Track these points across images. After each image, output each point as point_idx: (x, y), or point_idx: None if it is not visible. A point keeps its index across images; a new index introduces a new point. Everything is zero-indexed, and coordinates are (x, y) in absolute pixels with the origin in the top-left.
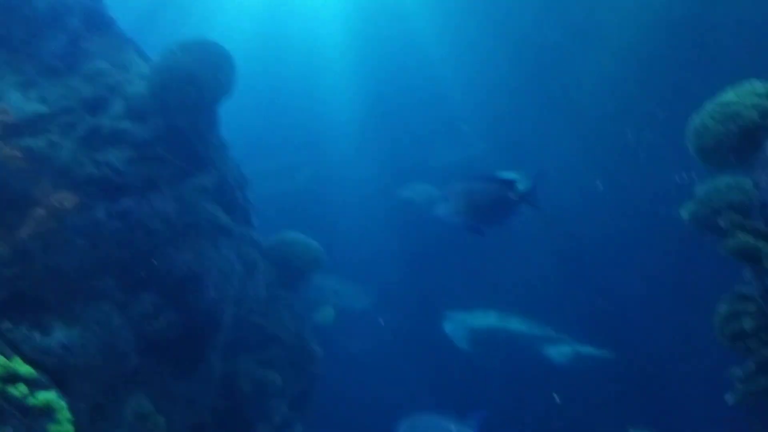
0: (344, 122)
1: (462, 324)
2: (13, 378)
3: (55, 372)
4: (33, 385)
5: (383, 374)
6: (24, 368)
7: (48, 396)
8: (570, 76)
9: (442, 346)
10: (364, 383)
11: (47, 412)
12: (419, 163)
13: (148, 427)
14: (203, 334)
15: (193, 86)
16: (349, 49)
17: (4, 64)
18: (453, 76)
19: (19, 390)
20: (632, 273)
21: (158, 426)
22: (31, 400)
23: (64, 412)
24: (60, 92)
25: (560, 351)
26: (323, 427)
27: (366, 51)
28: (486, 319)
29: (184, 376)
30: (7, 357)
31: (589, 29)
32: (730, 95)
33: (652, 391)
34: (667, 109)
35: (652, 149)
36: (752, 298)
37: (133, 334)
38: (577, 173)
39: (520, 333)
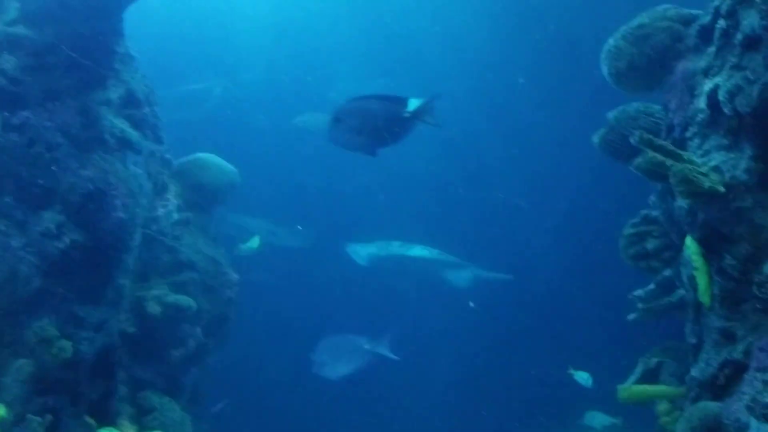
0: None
1: (367, 252)
2: None
3: None
4: None
5: (298, 302)
6: None
7: None
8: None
9: (351, 273)
10: (280, 311)
11: None
12: (320, 94)
13: (52, 351)
14: (111, 255)
15: None
16: None
17: None
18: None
19: None
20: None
21: (64, 350)
22: None
23: None
24: None
25: (461, 276)
26: (241, 353)
27: None
28: (389, 248)
29: (91, 300)
30: None
31: None
32: (643, 18)
33: (552, 314)
34: None
35: None
36: (656, 220)
37: (34, 256)
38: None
39: (421, 259)
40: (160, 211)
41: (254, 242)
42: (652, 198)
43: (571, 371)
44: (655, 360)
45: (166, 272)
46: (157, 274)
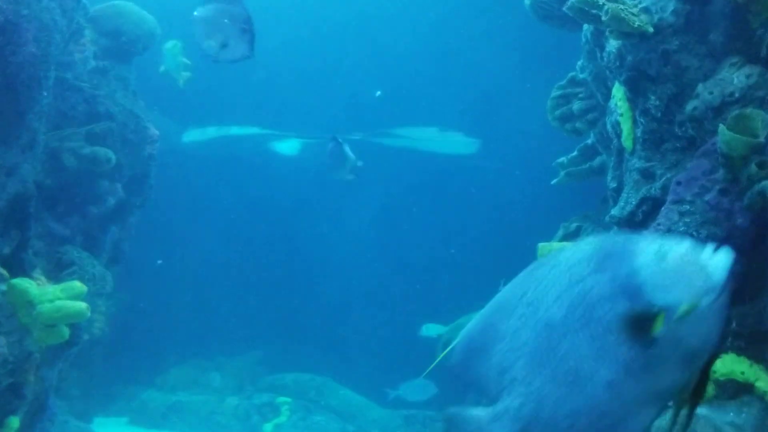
0: None
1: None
2: None
3: None
4: None
5: None
6: None
7: None
8: None
9: None
10: None
11: None
12: None
13: None
14: (22, 93)
15: None
16: None
17: None
18: None
19: None
20: None
21: None
22: None
23: None
24: None
25: (287, 145)
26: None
27: None
28: (205, 133)
29: (2, 142)
30: None
31: None
32: None
33: None
34: None
35: None
36: (583, 82)
37: None
38: None
39: (244, 136)
40: (76, 56)
41: None
42: (580, 61)
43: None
44: (574, 225)
45: (82, 123)
46: (72, 124)
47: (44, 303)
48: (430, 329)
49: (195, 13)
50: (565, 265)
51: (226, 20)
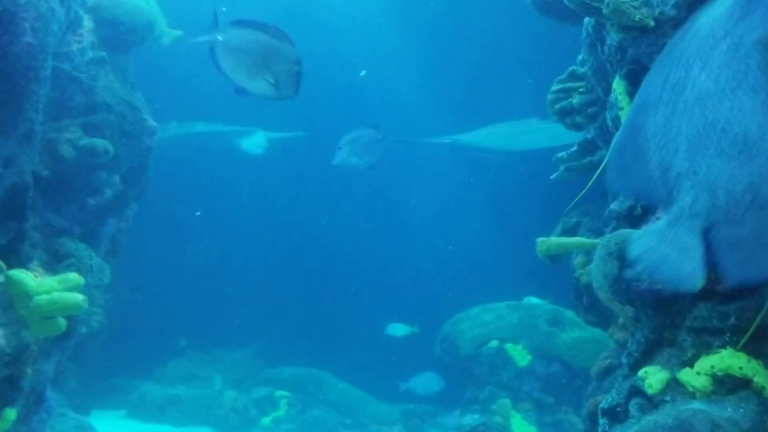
0: None
1: None
2: None
3: None
4: None
5: None
6: None
7: None
8: None
9: None
10: None
11: None
12: None
13: None
14: (20, 84)
15: None
16: None
17: None
18: None
19: None
20: None
21: None
22: None
23: None
24: None
25: (253, 141)
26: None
27: None
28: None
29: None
30: None
31: None
32: None
33: None
34: None
35: None
36: (583, 76)
37: None
38: None
39: (207, 133)
40: (74, 47)
41: None
42: (581, 55)
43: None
44: (573, 220)
45: (80, 114)
46: (70, 115)
47: (41, 295)
48: (396, 329)
49: (220, 37)
50: (705, 29)
51: (275, 58)
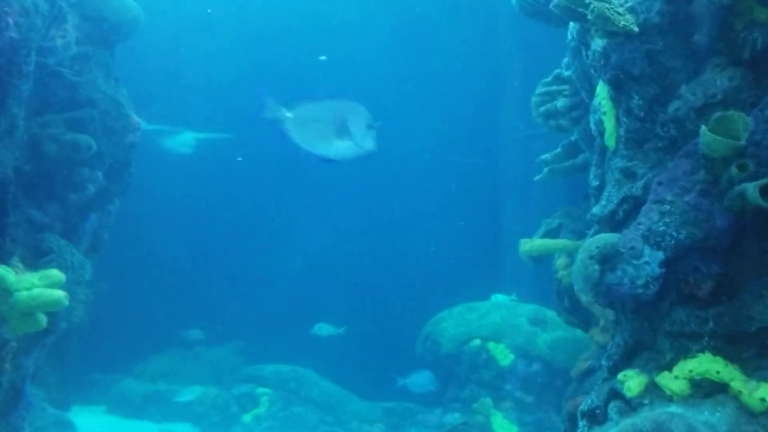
0: None
1: None
2: None
3: None
4: None
5: None
6: None
7: None
8: None
9: None
10: None
11: None
12: None
13: None
14: (2, 79)
15: None
16: None
17: None
18: None
19: None
20: None
21: None
22: None
23: None
24: None
25: (180, 141)
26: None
27: None
28: None
29: None
30: None
31: None
32: None
33: None
34: None
35: None
36: (568, 80)
37: None
38: None
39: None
40: (58, 42)
41: None
42: (566, 59)
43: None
44: (556, 221)
45: (63, 109)
46: (53, 110)
47: (21, 291)
48: (322, 329)
49: (289, 114)
50: None
51: (348, 118)
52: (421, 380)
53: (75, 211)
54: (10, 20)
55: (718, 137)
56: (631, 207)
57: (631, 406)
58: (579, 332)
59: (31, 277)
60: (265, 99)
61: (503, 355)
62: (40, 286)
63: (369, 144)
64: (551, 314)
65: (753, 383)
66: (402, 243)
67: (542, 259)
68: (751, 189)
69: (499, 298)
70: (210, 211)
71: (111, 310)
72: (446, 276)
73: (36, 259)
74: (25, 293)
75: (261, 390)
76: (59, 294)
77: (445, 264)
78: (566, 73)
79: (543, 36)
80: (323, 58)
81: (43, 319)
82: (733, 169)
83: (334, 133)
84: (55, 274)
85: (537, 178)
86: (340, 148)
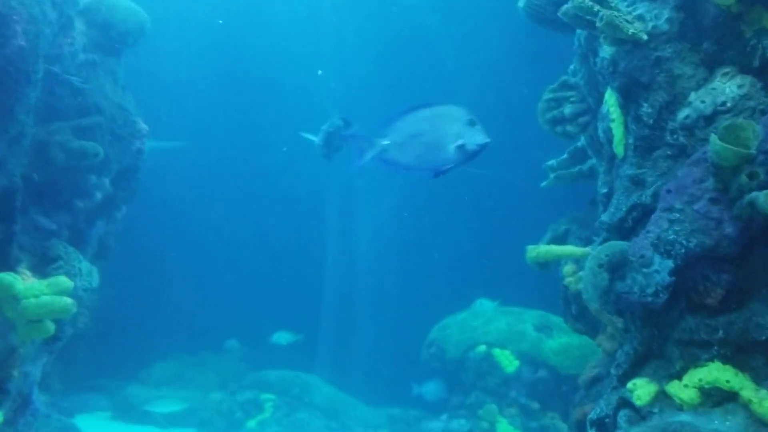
0: None
1: None
2: None
3: None
4: None
5: None
6: None
7: None
8: None
9: None
10: None
11: None
12: None
13: None
14: (10, 86)
15: None
16: None
17: None
18: None
19: None
20: None
21: None
22: None
23: None
24: None
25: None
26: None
27: None
28: None
29: None
30: None
31: None
32: None
33: None
34: None
35: None
36: (575, 86)
37: None
38: None
39: None
40: (66, 49)
41: None
42: (572, 65)
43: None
44: (563, 227)
45: (71, 116)
46: (60, 118)
47: (29, 298)
48: (281, 337)
49: (386, 141)
50: None
51: (447, 122)
52: (434, 388)
53: (82, 217)
54: (19, 28)
55: (728, 146)
56: (640, 215)
57: (640, 415)
58: (585, 338)
59: (39, 285)
60: (357, 141)
61: (508, 362)
62: (48, 293)
63: (480, 138)
64: (557, 320)
65: (763, 392)
66: (406, 249)
67: (548, 265)
68: (762, 198)
69: (483, 303)
70: (210, 215)
71: (116, 316)
72: (453, 282)
73: (44, 266)
74: (33, 300)
75: (265, 396)
76: (67, 301)
77: (450, 270)
78: (573, 80)
79: (550, 43)
80: (320, 72)
81: (51, 326)
82: (743, 178)
83: (440, 142)
84: (63, 281)
85: (543, 184)
86: (452, 154)
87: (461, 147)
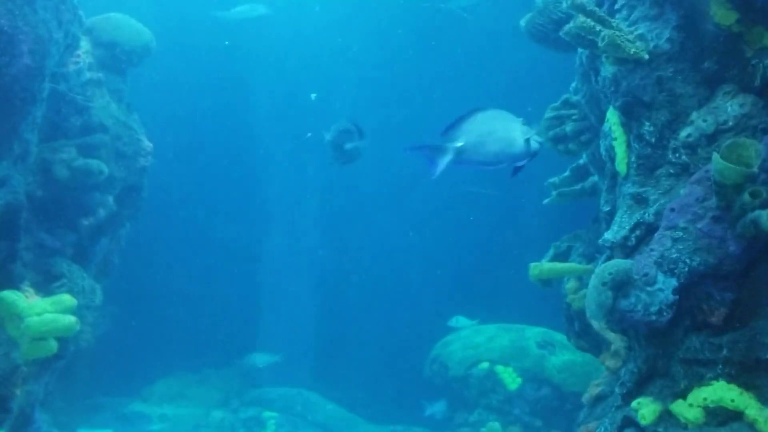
0: None
1: None
2: None
3: None
4: None
5: None
6: None
7: None
8: None
9: None
10: None
11: None
12: None
13: None
14: (16, 105)
15: None
16: None
17: None
18: None
19: None
20: None
21: None
22: None
23: None
24: None
25: None
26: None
27: None
28: None
29: None
30: None
31: None
32: None
33: None
34: None
35: None
36: (577, 104)
37: None
38: None
39: None
40: (71, 68)
41: None
42: (574, 83)
43: None
44: (565, 244)
45: (76, 134)
46: (66, 136)
47: (32, 316)
48: (259, 359)
49: (458, 143)
50: None
51: (509, 117)
52: (443, 408)
53: (86, 235)
54: (25, 48)
55: (730, 164)
56: (644, 233)
57: None
58: (588, 356)
59: (42, 303)
60: (427, 151)
61: (511, 379)
62: (52, 311)
63: (536, 135)
64: (560, 337)
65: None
66: (409, 265)
67: (551, 282)
68: (765, 216)
69: (459, 320)
70: (214, 233)
71: (118, 333)
72: (455, 298)
73: (47, 284)
74: (36, 318)
75: (268, 413)
76: (71, 320)
77: (453, 287)
78: (575, 98)
79: (551, 61)
80: (314, 96)
81: (54, 345)
82: (746, 196)
83: (511, 137)
84: (67, 299)
85: (546, 201)
86: (522, 148)
87: (528, 142)
